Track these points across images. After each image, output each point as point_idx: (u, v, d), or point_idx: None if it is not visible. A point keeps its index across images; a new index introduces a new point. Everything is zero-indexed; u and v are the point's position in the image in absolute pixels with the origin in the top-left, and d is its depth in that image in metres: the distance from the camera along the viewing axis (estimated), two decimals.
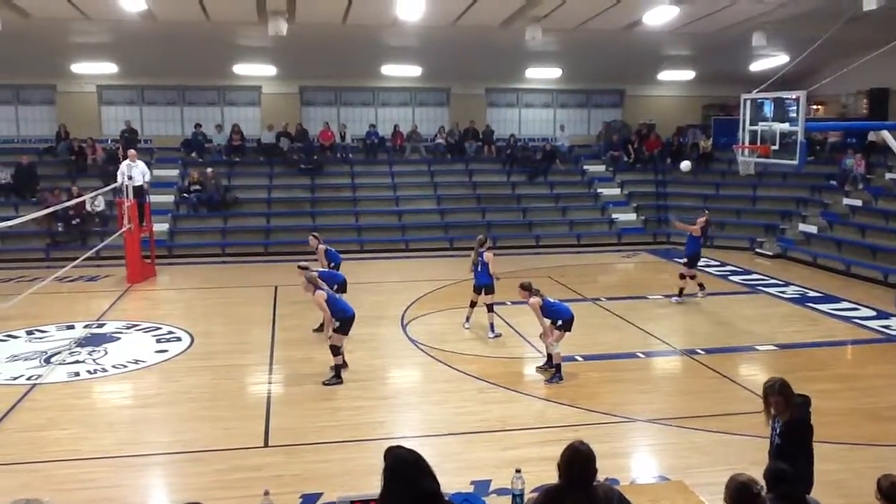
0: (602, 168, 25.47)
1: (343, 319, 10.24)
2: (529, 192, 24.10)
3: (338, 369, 10.25)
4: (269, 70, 23.15)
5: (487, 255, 12.38)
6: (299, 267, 12.14)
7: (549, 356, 10.52)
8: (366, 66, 23.03)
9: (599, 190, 24.48)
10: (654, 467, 8.08)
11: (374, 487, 6.78)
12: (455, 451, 8.13)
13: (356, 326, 10.61)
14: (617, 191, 24.63)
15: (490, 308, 12.40)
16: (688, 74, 25.12)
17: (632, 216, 23.63)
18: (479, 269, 12.47)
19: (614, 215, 23.53)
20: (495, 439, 8.44)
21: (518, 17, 17.90)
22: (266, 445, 8.28)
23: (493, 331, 12.36)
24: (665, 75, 25.19)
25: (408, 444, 4.65)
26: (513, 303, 12.72)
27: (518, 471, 5.10)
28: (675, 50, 22.42)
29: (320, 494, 7.04)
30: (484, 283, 12.41)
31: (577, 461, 4.14)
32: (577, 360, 11.20)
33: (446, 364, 11.07)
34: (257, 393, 10.10)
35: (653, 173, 25.08)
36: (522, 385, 10.28)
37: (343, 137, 24.54)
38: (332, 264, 13.43)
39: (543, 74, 24.81)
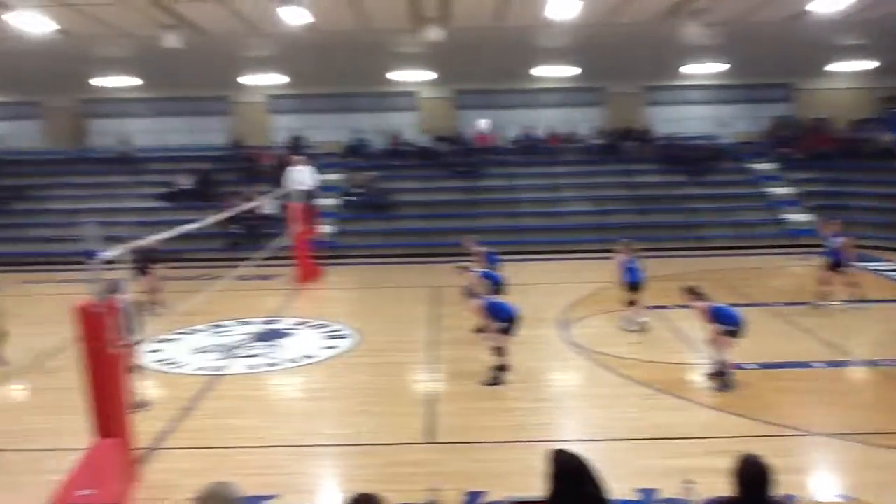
0: (770, 166, 24.16)
1: (507, 320, 10.26)
2: (691, 192, 23.25)
3: (499, 370, 10.29)
4: (425, 75, 23.67)
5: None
6: (459, 267, 12.32)
7: (717, 363, 10.07)
8: (521, 67, 23.08)
9: (767, 189, 23.22)
10: (835, 485, 7.54)
11: (535, 489, 6.78)
12: (618, 457, 7.93)
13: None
14: (787, 189, 23.27)
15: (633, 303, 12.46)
16: (864, 65, 23.34)
17: (804, 217, 22.24)
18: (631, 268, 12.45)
19: (784, 216, 22.24)
20: (660, 447, 8.16)
21: (677, 12, 17.32)
22: (428, 442, 8.44)
23: (633, 324, 12.40)
24: (837, 66, 23.54)
25: (572, 449, 4.61)
26: (678, 306, 12.28)
27: (690, 481, 4.90)
28: (849, 39, 20.89)
29: (484, 493, 7.08)
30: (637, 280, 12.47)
31: (753, 474, 3.94)
32: (748, 368, 10.65)
33: (608, 368, 10.86)
34: (420, 390, 10.31)
35: (827, 171, 23.49)
36: (689, 392, 9.89)
37: (498, 140, 24.71)
38: (491, 265, 13.52)
39: (704, 69, 23.86)
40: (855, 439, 8.25)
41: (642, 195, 23.15)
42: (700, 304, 9.90)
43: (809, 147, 24.08)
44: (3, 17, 15.02)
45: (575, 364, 11.34)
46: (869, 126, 24.33)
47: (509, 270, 13.88)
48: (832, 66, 23.67)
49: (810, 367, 10.84)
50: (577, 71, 23.31)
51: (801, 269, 19.09)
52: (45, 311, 12.99)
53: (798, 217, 22.19)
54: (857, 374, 10.83)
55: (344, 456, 8.26)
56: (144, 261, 14.09)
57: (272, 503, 6.94)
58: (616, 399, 9.70)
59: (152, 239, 10.87)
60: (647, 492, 6.98)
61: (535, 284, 16.36)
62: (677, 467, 7.31)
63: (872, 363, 10.93)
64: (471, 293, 10.71)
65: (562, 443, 6.79)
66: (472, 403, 9.60)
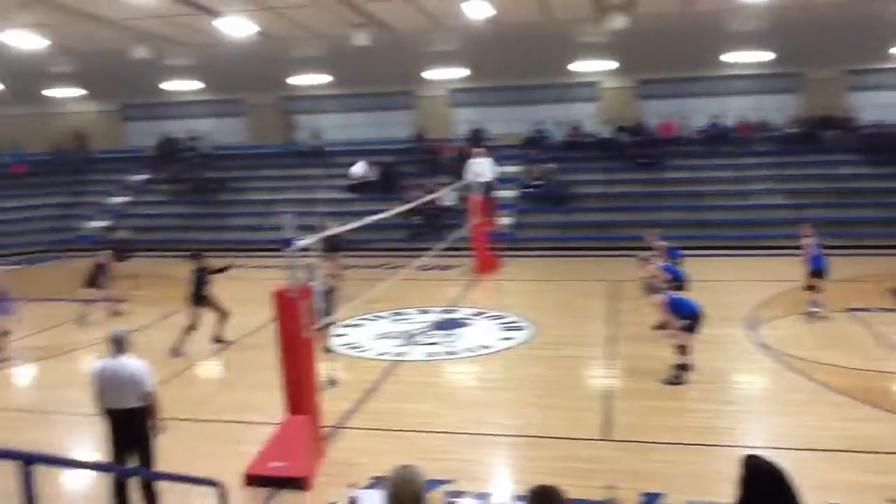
0: None
1: (690, 318, 9.89)
2: None
3: (681, 369, 9.93)
4: (608, 65, 23.17)
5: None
6: (640, 259, 12.00)
7: None
8: (708, 53, 22.00)
9: None
10: None
11: (717, 494, 6.50)
12: (811, 467, 7.40)
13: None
14: None
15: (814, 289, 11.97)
16: None
17: None
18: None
19: None
20: (860, 460, 7.55)
21: None
22: (604, 438, 8.31)
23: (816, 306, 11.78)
24: None
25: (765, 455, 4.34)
26: (881, 309, 11.28)
27: (892, 500, 4.47)
28: None
29: (662, 495, 6.88)
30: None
31: None
32: None
33: (801, 372, 10.16)
34: (596, 385, 10.17)
35: None
36: (890, 403, 9.05)
37: (684, 130, 23.79)
38: (673, 260, 13.03)
39: None
40: None
41: (843, 188, 21.40)
42: None
43: None
44: (212, 22, 16.36)
45: (763, 366, 10.71)
46: None
47: (693, 266, 13.32)
48: None
49: None
50: (770, 56, 21.88)
51: None
52: (246, 294, 14.00)
53: None
54: None
55: (518, 446, 8.31)
56: (330, 248, 14.86)
57: (448, 487, 7.10)
58: (808, 406, 9.07)
59: (340, 228, 11.47)
60: None
61: (720, 281, 15.63)
62: (875, 483, 6.75)
63: None
64: (652, 288, 10.39)
65: (749, 449, 6.45)
66: (650, 402, 9.34)
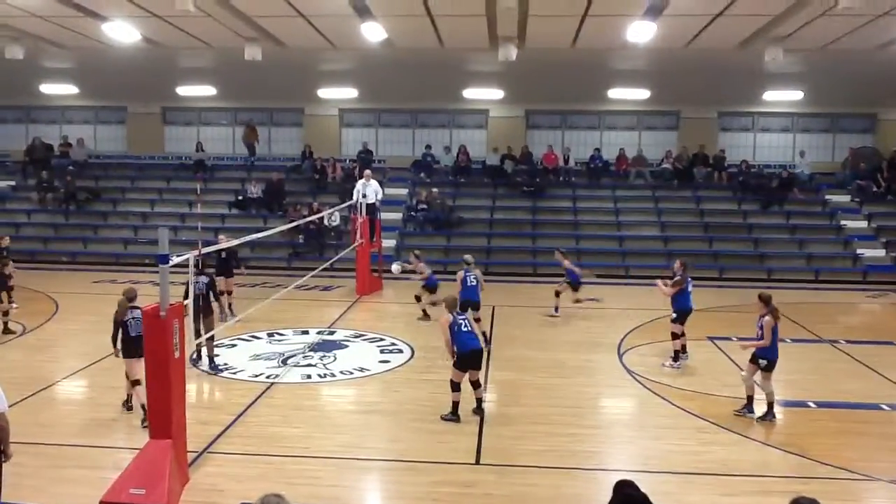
0: (847, 198, 23.38)
1: (459, 354, 9.65)
2: (763, 222, 22.66)
3: (454, 406, 9.57)
4: (497, 94, 23.73)
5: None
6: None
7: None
8: (592, 89, 22.96)
9: (843, 222, 22.47)
10: None
11: None
12: (670, 490, 7.74)
13: (572, 351, 10.44)
14: (864, 223, 22.47)
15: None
16: None
17: (880, 252, 21.43)
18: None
19: (860, 250, 21.46)
20: (715, 483, 7.94)
21: (758, 38, 16.97)
22: (478, 463, 8.39)
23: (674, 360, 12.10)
24: None
25: (620, 479, 4.50)
26: (738, 339, 11.95)
27: None
28: None
29: None
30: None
31: None
32: (810, 406, 10.30)
33: (664, 398, 10.62)
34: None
35: None
36: (747, 428, 9.58)
37: (567, 161, 24.61)
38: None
39: (783, 97, 23.29)
40: None
41: (711, 223, 22.66)
42: (767, 319, 9.61)
43: (889, 180, 23.22)
44: (99, 26, 15.68)
45: (630, 392, 11.13)
46: None
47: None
48: None
49: (878, 409, 10.41)
50: (650, 94, 23.03)
51: (873, 307, 18.43)
52: (110, 311, 13.38)
53: (874, 252, 21.38)
54: None
55: (391, 471, 8.28)
56: (223, 265, 14.47)
57: None
58: (671, 430, 9.48)
59: (221, 245, 11.18)
60: None
61: (594, 308, 16.16)
62: None
63: None
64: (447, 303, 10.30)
65: (613, 472, 6.69)
66: (524, 426, 9.50)
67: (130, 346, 9.09)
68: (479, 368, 9.85)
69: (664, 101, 23.88)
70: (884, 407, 10.47)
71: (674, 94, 23.33)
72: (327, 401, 10.82)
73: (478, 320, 12.83)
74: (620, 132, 25.60)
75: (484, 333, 12.61)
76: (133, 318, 9.11)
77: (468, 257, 13.83)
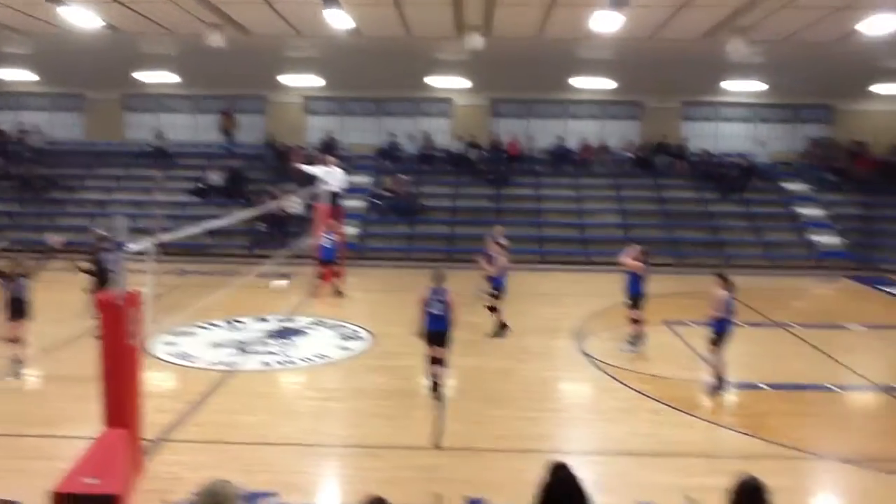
0: (804, 187, 23.80)
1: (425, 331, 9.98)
2: (722, 210, 23.00)
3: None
4: (463, 83, 23.72)
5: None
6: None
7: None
8: (558, 78, 23.05)
9: (799, 210, 22.90)
10: None
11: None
12: (624, 471, 7.92)
13: (532, 337, 10.53)
14: (819, 212, 22.91)
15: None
16: None
17: (835, 239, 21.88)
18: None
19: (815, 237, 21.91)
20: (668, 464, 8.10)
21: (721, 28, 17.16)
22: (438, 447, 8.44)
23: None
24: (881, 88, 23.09)
25: (577, 461, 4.58)
26: (693, 322, 12.18)
27: (690, 498, 4.83)
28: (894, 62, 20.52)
29: (485, 500, 7.09)
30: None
31: (749, 495, 3.91)
32: (762, 387, 10.53)
33: (621, 382, 10.79)
34: (428, 396, 10.26)
35: (861, 195, 23.07)
36: (700, 410, 9.79)
37: (531, 150, 24.73)
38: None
39: (745, 87, 23.60)
40: (863, 465, 8.11)
41: (671, 210, 22.95)
42: (720, 293, 9.83)
43: (846, 170, 23.69)
44: (56, 9, 15.34)
45: (587, 376, 11.30)
46: None
47: (531, 279, 13.83)
48: (875, 88, 23.22)
49: (827, 390, 10.68)
50: (615, 84, 23.19)
51: (826, 292, 18.86)
52: (70, 300, 13.22)
53: (827, 239, 21.84)
54: (874, 399, 10.65)
55: (350, 457, 8.30)
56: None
57: (272, 501, 6.98)
58: (627, 413, 9.64)
59: (180, 233, 11.00)
60: None
61: (555, 295, 16.31)
62: (680, 484, 7.25)
63: (889, 389, 10.72)
64: None
65: (569, 455, 6.78)
66: (482, 410, 9.59)
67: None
68: (442, 347, 9.95)
69: (628, 91, 24.04)
70: (832, 388, 10.75)
71: (638, 85, 23.51)
72: (286, 388, 10.81)
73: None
74: (585, 121, 25.76)
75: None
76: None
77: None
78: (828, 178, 23.70)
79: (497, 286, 13.28)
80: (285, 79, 23.94)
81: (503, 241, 13.63)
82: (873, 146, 24.34)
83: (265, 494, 7.01)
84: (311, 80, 23.95)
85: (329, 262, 16.43)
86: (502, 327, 13.15)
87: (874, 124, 24.68)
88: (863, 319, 14.87)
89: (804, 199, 23.29)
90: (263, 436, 8.61)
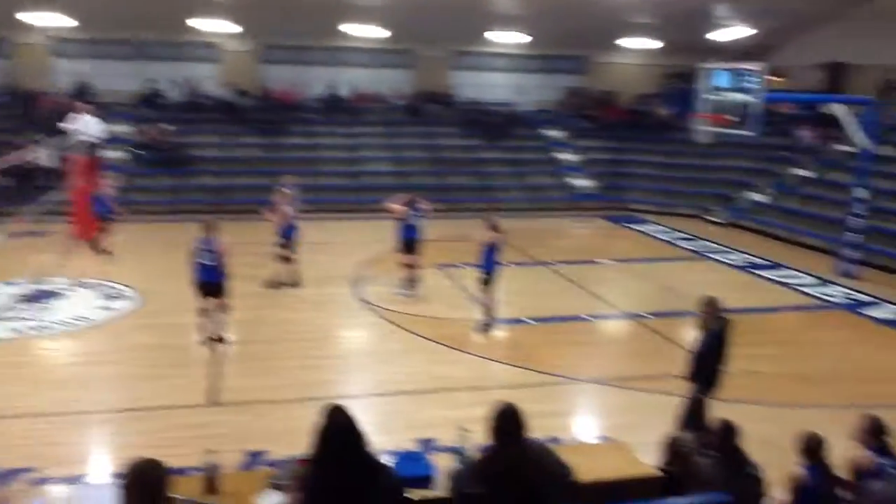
0: (561, 134, 25.50)
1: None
2: (488, 157, 24.09)
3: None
4: (231, 27, 22.59)
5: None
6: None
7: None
8: (329, 25, 22.66)
9: (557, 155, 24.56)
10: (595, 427, 8.26)
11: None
12: (403, 409, 8.24)
13: (307, 286, 10.52)
14: (575, 157, 24.71)
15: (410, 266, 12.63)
16: (652, 44, 25.04)
17: (589, 182, 23.77)
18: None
19: (571, 181, 23.66)
20: (441, 399, 8.54)
21: None
22: (211, 404, 8.27)
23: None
24: (629, 43, 25.11)
25: (356, 404, 4.67)
26: (466, 265, 12.77)
27: (465, 429, 5.12)
28: (639, 17, 22.34)
29: (265, 452, 7.07)
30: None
31: (505, 421, 4.21)
32: (527, 322, 11.32)
33: (398, 325, 11.12)
34: (203, 351, 9.99)
35: (611, 140, 25.17)
36: (472, 346, 10.37)
37: (304, 98, 24.27)
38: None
39: (509, 39, 24.64)
40: (614, 384, 9.07)
41: (442, 157, 23.68)
42: (489, 235, 10.41)
43: (598, 117, 25.67)
44: None
45: (364, 321, 11.53)
46: (652, 100, 26.33)
47: (308, 229, 13.71)
48: (623, 42, 25.18)
49: (582, 320, 11.73)
50: (388, 33, 23.21)
51: (581, 231, 20.54)
52: None
53: (582, 182, 23.67)
54: (621, 326, 11.87)
55: (119, 422, 7.88)
56: None
57: (27, 477, 6.49)
58: (402, 355, 10.00)
59: None
60: (426, 441, 7.29)
61: (331, 243, 16.36)
62: (454, 417, 7.65)
63: (636, 316, 11.99)
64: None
65: (348, 399, 6.90)
66: (257, 363, 9.51)
67: None
68: (217, 297, 9.85)
69: (400, 39, 24.21)
70: (588, 318, 11.83)
71: (410, 34, 23.74)
72: (44, 355, 9.98)
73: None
74: (357, 70, 25.65)
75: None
76: None
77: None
78: (582, 125, 25.54)
79: (286, 236, 13.05)
80: (27, 16, 21.46)
81: (287, 191, 13.37)
82: (622, 96, 26.53)
83: (21, 470, 6.50)
84: (58, 19, 21.64)
85: (105, 218, 15.16)
86: (278, 285, 12.94)
87: (623, 75, 26.89)
88: (614, 255, 16.40)
89: (562, 146, 24.98)
90: (17, 408, 7.95)
